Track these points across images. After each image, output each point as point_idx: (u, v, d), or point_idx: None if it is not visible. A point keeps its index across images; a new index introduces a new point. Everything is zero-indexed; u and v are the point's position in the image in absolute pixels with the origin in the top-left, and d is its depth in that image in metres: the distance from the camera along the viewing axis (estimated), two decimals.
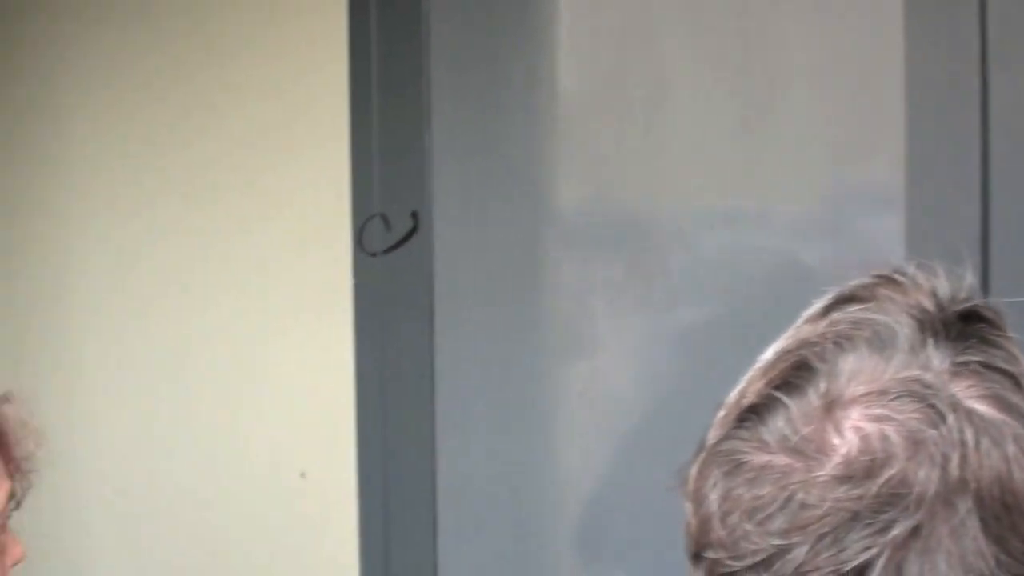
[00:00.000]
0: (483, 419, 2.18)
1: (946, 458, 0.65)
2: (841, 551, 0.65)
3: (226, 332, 2.55)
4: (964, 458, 0.65)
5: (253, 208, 2.46)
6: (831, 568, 0.65)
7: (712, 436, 0.76)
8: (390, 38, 2.24)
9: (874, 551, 0.65)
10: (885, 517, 0.65)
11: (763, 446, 0.70)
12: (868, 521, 0.65)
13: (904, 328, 0.69)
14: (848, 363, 0.69)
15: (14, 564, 1.16)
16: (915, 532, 0.65)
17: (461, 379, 2.19)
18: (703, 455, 0.76)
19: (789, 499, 0.67)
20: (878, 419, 0.67)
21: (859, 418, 0.67)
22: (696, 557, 0.73)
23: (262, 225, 2.44)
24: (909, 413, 0.66)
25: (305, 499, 2.39)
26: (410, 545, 2.24)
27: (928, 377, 0.67)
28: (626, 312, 2.03)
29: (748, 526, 0.68)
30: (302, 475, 2.40)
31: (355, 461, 2.28)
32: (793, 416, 0.69)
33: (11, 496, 1.15)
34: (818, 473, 0.67)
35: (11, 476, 1.15)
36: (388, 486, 2.24)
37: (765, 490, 0.68)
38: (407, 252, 2.19)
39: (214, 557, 2.63)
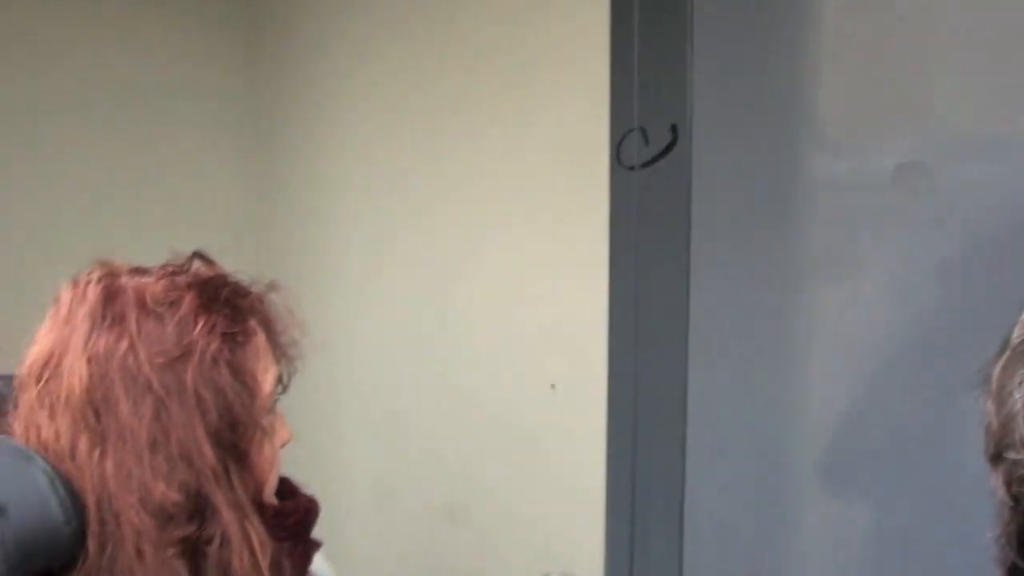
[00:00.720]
0: (737, 336, 2.15)
1: None
2: None
3: (483, 245, 2.60)
4: None
5: (511, 121, 2.49)
6: None
7: (1017, 334, 0.71)
8: None
9: None
10: None
11: None
12: None
13: None
14: None
15: (282, 445, 1.23)
16: None
17: (715, 297, 2.16)
18: (1007, 353, 0.71)
19: None
20: None
21: None
22: (995, 458, 0.69)
23: (520, 138, 2.46)
24: None
25: (555, 410, 2.42)
26: (657, 458, 2.24)
27: None
28: (888, 234, 1.94)
29: None
30: (552, 387, 2.43)
31: (605, 374, 2.29)
32: None
33: (278, 380, 1.21)
34: None
35: (278, 361, 1.21)
36: (638, 399, 2.25)
37: None
38: (665, 167, 2.16)
39: (463, 463, 2.71)
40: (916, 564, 1.94)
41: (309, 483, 1.33)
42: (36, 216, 3.04)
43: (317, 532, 1.34)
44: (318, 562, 1.63)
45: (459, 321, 2.69)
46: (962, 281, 1.84)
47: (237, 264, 1.22)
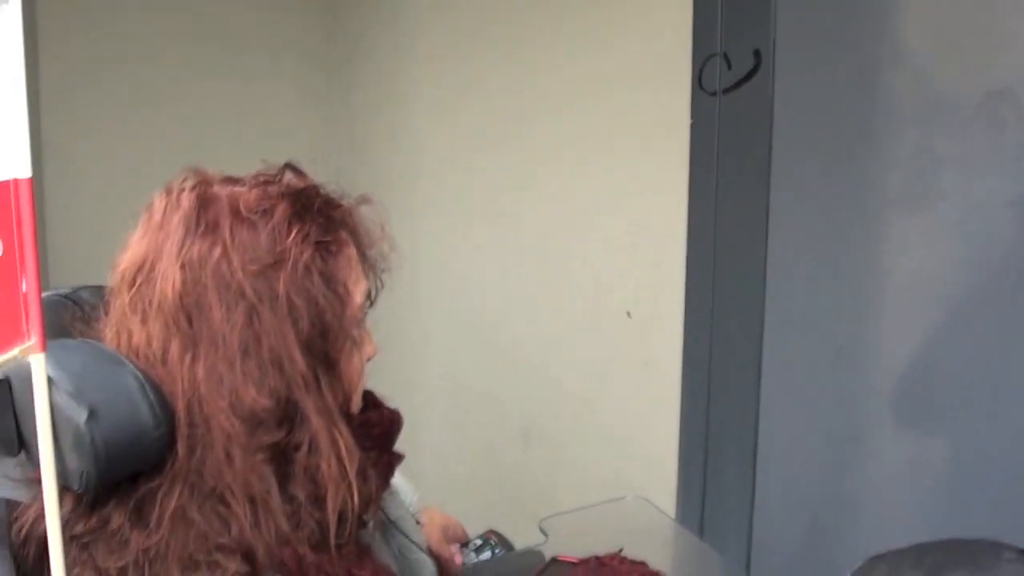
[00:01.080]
0: (813, 265, 2.13)
1: None
2: None
3: (561, 168, 2.60)
4: None
5: (595, 46, 2.47)
6: None
7: None
8: None
9: None
10: None
11: None
12: None
13: None
14: None
15: (368, 359, 1.24)
16: None
17: (794, 224, 2.14)
18: None
19: None
20: None
21: None
22: None
23: (603, 63, 2.45)
24: None
25: (630, 337, 2.43)
26: (732, 386, 2.25)
27: None
28: (973, 165, 1.91)
29: None
30: (628, 315, 2.44)
31: (682, 303, 2.29)
32: None
33: (367, 294, 1.22)
34: None
35: (367, 275, 1.22)
36: (714, 328, 2.25)
37: None
38: (747, 92, 2.14)
39: (534, 381, 2.74)
40: (989, 496, 1.93)
41: (388, 391, 1.34)
42: (147, 138, 3.18)
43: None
44: (399, 479, 1.67)
45: (537, 244, 2.70)
46: None
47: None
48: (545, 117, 2.62)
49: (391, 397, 1.34)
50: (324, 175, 1.24)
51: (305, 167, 1.22)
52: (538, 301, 2.71)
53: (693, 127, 2.22)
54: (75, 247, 2.45)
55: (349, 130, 3.46)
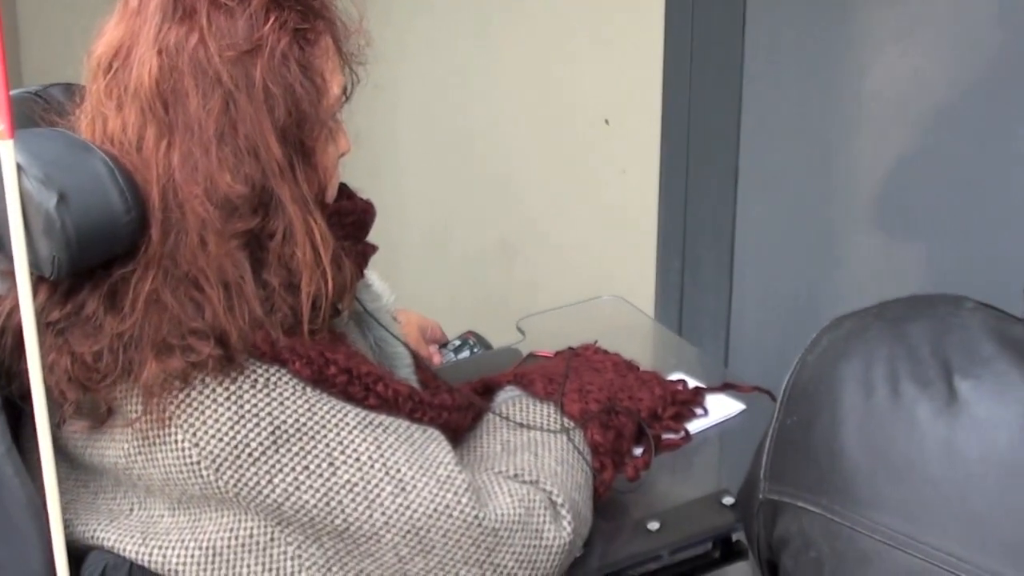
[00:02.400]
0: (791, 67, 2.12)
1: None
2: None
3: None
4: None
5: None
6: None
7: None
8: None
9: None
10: None
11: None
12: None
13: None
14: None
15: (341, 155, 1.24)
16: None
17: (770, 23, 2.12)
18: None
19: None
20: None
21: None
22: None
23: None
24: None
25: (609, 144, 2.43)
26: (709, 193, 2.26)
27: None
28: None
29: None
30: (606, 121, 2.42)
31: (659, 108, 2.28)
32: None
33: (343, 88, 1.21)
34: None
35: (343, 68, 1.21)
36: (691, 133, 2.24)
37: None
38: None
39: (512, 192, 2.74)
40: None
41: None
42: None
43: (374, 265, 1.37)
44: (375, 279, 1.68)
45: (516, 58, 2.67)
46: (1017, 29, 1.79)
47: None
48: None
49: None
50: None
51: None
52: (517, 113, 2.69)
53: None
54: (48, 54, 2.39)
55: None
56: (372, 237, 1.31)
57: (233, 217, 1.09)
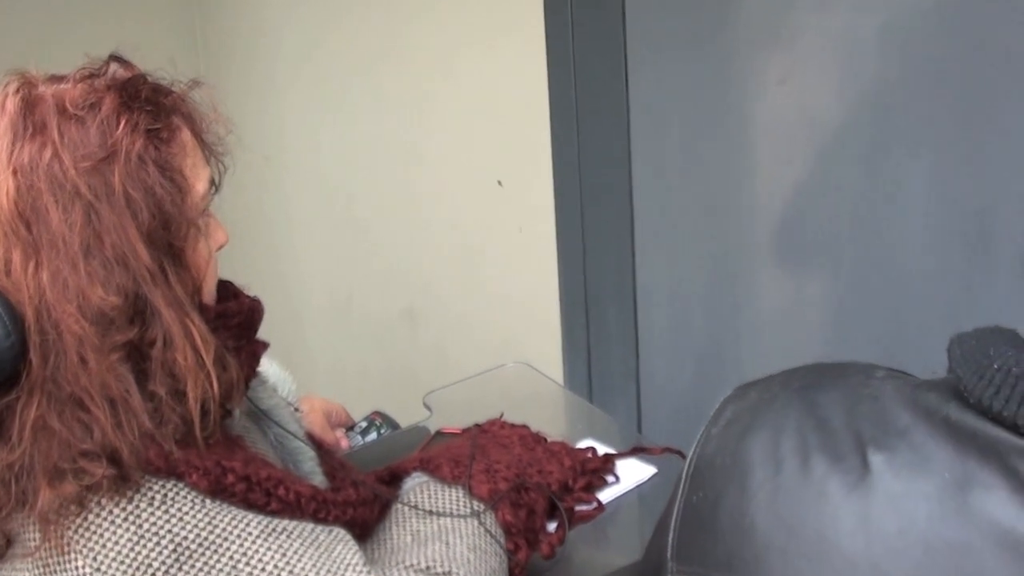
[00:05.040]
0: (678, 110, 2.12)
1: None
2: None
3: (420, 42, 2.55)
4: None
5: None
6: None
7: None
8: None
9: None
10: None
11: None
12: None
13: None
14: None
15: (219, 247, 1.21)
16: None
17: (656, 74, 2.13)
18: None
19: None
20: None
21: None
22: None
23: None
24: None
25: (504, 205, 2.42)
26: (607, 246, 2.25)
27: None
28: (830, 2, 1.91)
29: None
30: (499, 183, 2.42)
31: (550, 165, 2.27)
32: None
33: (211, 181, 1.18)
34: None
35: (208, 162, 1.18)
36: (583, 187, 2.24)
37: None
38: None
39: (413, 260, 2.72)
40: (869, 333, 1.97)
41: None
42: None
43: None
44: (274, 369, 1.64)
45: (403, 123, 2.66)
46: (904, 47, 1.81)
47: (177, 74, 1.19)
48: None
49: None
50: (156, 63, 1.19)
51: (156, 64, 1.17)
52: (408, 179, 2.68)
53: None
54: None
55: (203, 11, 3.34)
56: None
57: (110, 330, 1.06)
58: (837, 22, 1.90)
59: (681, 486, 0.89)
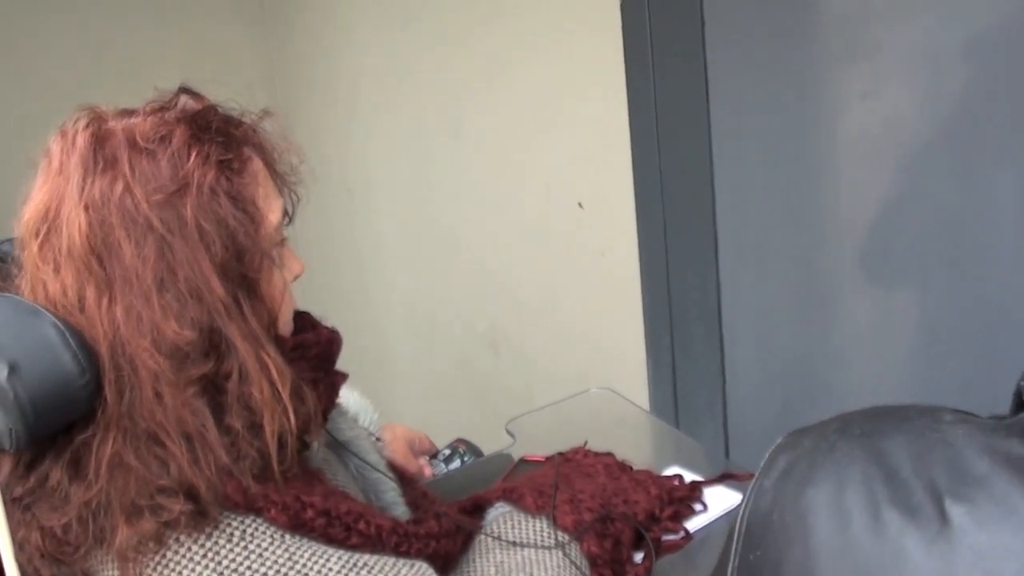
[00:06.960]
0: (760, 127, 2.09)
1: None
2: None
3: (500, 68, 2.54)
4: None
5: None
6: None
7: None
8: None
9: None
10: None
11: None
12: None
13: None
14: None
15: (294, 278, 1.20)
16: None
17: (736, 91, 2.09)
18: None
19: None
20: None
21: None
22: None
23: None
24: None
25: (584, 228, 2.39)
26: (691, 267, 2.22)
27: None
28: (911, 15, 1.86)
29: None
30: (580, 205, 2.39)
31: (631, 186, 2.25)
32: None
33: (284, 212, 1.17)
34: None
35: (281, 191, 1.17)
36: (665, 207, 2.21)
37: None
38: None
39: (496, 285, 2.70)
40: (961, 351, 1.91)
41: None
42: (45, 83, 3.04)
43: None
44: (354, 398, 1.63)
45: (487, 149, 2.65)
46: (987, 57, 1.76)
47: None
48: (490, 23, 2.55)
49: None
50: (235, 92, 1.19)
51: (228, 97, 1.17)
52: (491, 205, 2.67)
53: (623, 8, 2.16)
54: None
55: (282, 46, 3.37)
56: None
57: (185, 365, 1.05)
58: (918, 35, 1.85)
59: (735, 543, 0.81)
